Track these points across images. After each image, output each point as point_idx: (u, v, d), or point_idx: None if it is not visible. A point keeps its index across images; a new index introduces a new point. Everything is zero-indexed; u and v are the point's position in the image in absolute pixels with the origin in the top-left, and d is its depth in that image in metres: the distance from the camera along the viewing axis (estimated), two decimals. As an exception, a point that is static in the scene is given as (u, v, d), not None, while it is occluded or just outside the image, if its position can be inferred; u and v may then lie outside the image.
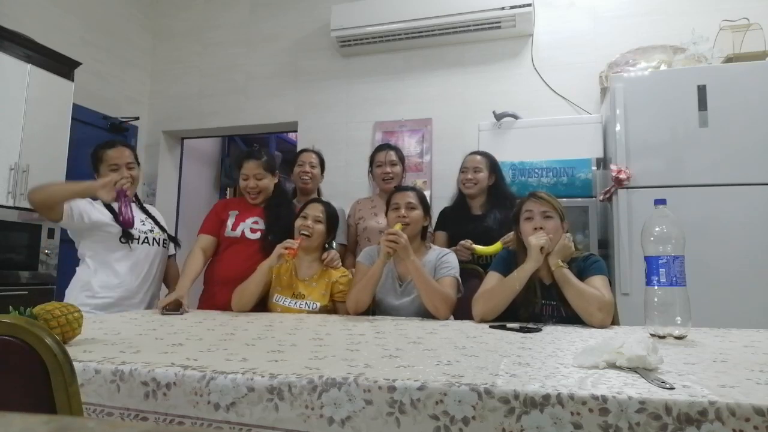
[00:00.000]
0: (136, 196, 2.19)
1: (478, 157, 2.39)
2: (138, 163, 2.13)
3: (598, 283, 1.58)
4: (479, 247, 2.11)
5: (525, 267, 1.61)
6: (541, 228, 1.66)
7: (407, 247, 1.75)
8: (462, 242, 2.16)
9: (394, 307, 1.88)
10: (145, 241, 2.06)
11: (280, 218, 2.12)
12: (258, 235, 2.11)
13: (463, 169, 2.39)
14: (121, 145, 2.11)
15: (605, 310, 1.51)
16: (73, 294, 1.94)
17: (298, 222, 1.97)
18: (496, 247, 2.06)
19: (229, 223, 2.14)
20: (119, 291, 1.96)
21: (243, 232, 2.12)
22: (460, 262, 1.95)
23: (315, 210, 1.98)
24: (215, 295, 2.06)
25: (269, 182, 2.20)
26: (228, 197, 4.75)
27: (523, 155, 2.85)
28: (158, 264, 2.11)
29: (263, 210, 2.18)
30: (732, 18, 2.79)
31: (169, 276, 2.22)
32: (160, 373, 0.83)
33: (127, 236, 1.98)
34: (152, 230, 2.11)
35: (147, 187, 4.04)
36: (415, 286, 1.79)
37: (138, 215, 2.08)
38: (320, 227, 1.96)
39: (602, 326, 1.50)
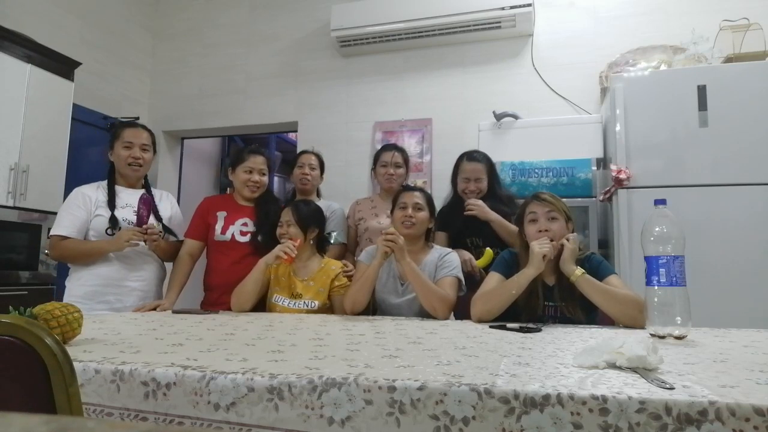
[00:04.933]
0: (147, 185, 2.21)
1: (479, 166, 2.31)
2: (154, 149, 2.18)
3: (617, 283, 1.55)
4: (479, 262, 2.11)
5: (526, 272, 1.57)
6: (546, 230, 1.63)
7: (403, 249, 1.76)
8: (466, 260, 2.13)
9: (396, 307, 1.88)
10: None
11: (268, 216, 2.13)
12: (248, 237, 2.12)
13: (465, 179, 2.31)
14: (140, 126, 2.16)
15: (643, 310, 1.42)
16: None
17: (278, 231, 2.01)
18: (488, 254, 2.08)
19: (218, 226, 2.13)
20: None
21: (233, 235, 2.12)
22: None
23: (285, 215, 2.01)
24: (215, 302, 2.07)
25: (267, 180, 2.23)
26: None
27: (523, 155, 2.85)
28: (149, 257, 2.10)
29: (253, 209, 2.18)
30: (732, 18, 2.79)
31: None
32: (160, 373, 0.82)
33: (113, 223, 2.00)
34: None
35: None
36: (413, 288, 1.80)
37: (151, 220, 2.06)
38: (293, 229, 1.97)
39: (642, 326, 1.43)
